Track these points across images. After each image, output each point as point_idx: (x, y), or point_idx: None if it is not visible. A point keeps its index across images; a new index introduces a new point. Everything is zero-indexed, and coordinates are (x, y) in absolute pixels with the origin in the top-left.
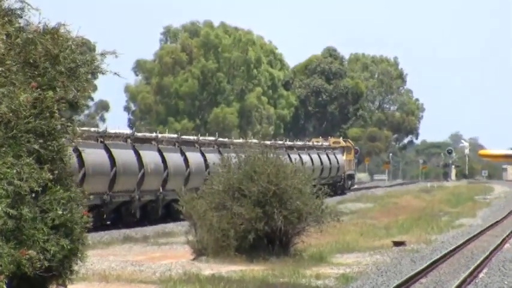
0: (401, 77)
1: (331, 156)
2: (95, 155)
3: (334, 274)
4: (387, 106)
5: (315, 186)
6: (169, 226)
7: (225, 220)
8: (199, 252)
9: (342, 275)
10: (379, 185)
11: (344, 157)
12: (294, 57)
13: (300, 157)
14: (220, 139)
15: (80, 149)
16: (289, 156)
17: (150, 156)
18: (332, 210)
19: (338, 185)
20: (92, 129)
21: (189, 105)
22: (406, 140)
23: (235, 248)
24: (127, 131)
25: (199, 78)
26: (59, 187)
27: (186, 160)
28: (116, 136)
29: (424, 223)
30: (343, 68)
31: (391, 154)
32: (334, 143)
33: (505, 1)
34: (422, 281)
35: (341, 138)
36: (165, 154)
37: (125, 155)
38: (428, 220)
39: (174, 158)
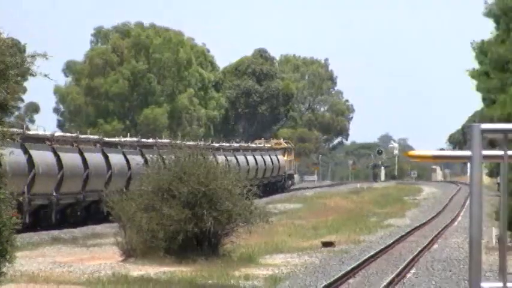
0: (331, 78)
1: (273, 157)
2: (71, 158)
3: (263, 275)
4: (317, 107)
5: (244, 187)
6: (98, 227)
7: (154, 221)
8: (128, 253)
9: (270, 275)
10: (309, 185)
11: (285, 158)
12: (224, 58)
13: (246, 158)
14: (187, 143)
15: (59, 153)
16: (235, 157)
17: (116, 159)
18: (261, 211)
19: (279, 184)
20: (68, 134)
21: (119, 106)
22: (336, 141)
23: (164, 249)
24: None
25: (130, 79)
26: None
27: (146, 161)
28: (87, 141)
29: (353, 223)
30: (273, 69)
31: (320, 155)
32: (275, 144)
33: (432, 3)
34: (351, 282)
35: (282, 139)
36: (128, 157)
37: (95, 158)
38: (357, 220)
39: (135, 160)
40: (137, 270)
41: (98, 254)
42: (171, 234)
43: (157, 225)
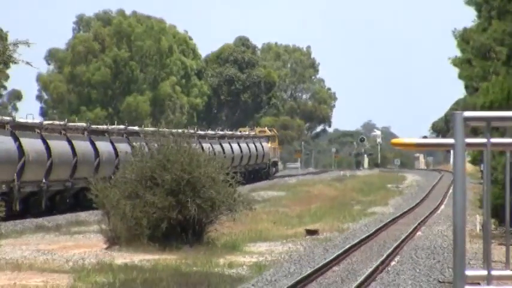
0: (313, 66)
1: (258, 145)
2: (60, 146)
3: (247, 263)
4: (299, 95)
5: (227, 174)
6: (82, 215)
7: (138, 209)
8: (112, 241)
9: (255, 263)
10: (292, 173)
11: (269, 145)
12: (206, 46)
13: (231, 145)
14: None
15: (48, 140)
16: (221, 145)
17: (104, 146)
18: (244, 199)
19: (263, 171)
20: (56, 122)
21: (101, 94)
22: (318, 129)
23: (148, 236)
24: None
25: (112, 67)
26: None
27: (132, 149)
28: (75, 128)
29: (337, 211)
30: (255, 57)
31: (303, 143)
32: (260, 132)
33: None
34: (335, 269)
35: (266, 127)
36: (115, 144)
37: (83, 146)
38: (340, 208)
39: (122, 147)
40: (121, 258)
41: (82, 241)
42: (154, 221)
43: (141, 212)
